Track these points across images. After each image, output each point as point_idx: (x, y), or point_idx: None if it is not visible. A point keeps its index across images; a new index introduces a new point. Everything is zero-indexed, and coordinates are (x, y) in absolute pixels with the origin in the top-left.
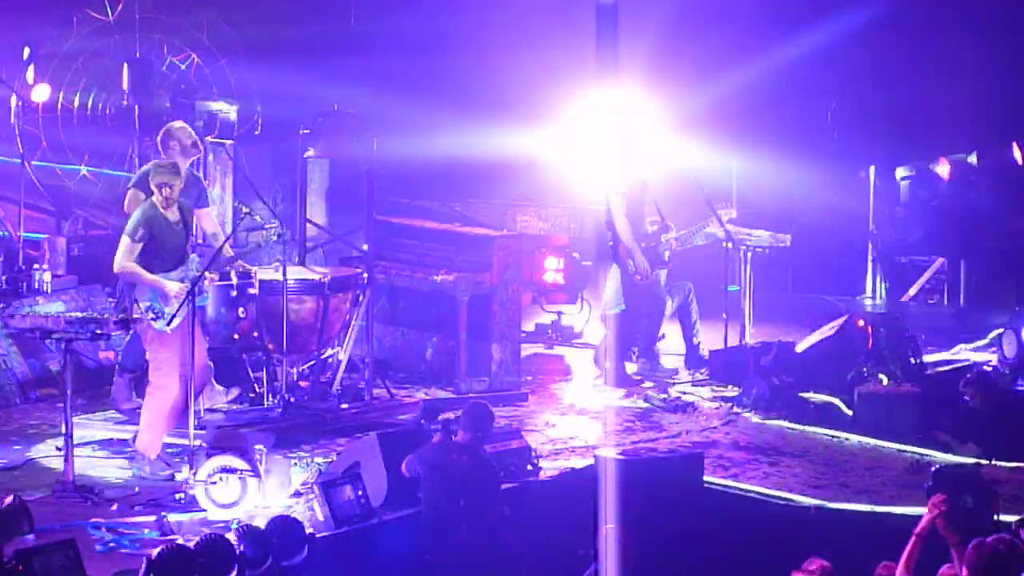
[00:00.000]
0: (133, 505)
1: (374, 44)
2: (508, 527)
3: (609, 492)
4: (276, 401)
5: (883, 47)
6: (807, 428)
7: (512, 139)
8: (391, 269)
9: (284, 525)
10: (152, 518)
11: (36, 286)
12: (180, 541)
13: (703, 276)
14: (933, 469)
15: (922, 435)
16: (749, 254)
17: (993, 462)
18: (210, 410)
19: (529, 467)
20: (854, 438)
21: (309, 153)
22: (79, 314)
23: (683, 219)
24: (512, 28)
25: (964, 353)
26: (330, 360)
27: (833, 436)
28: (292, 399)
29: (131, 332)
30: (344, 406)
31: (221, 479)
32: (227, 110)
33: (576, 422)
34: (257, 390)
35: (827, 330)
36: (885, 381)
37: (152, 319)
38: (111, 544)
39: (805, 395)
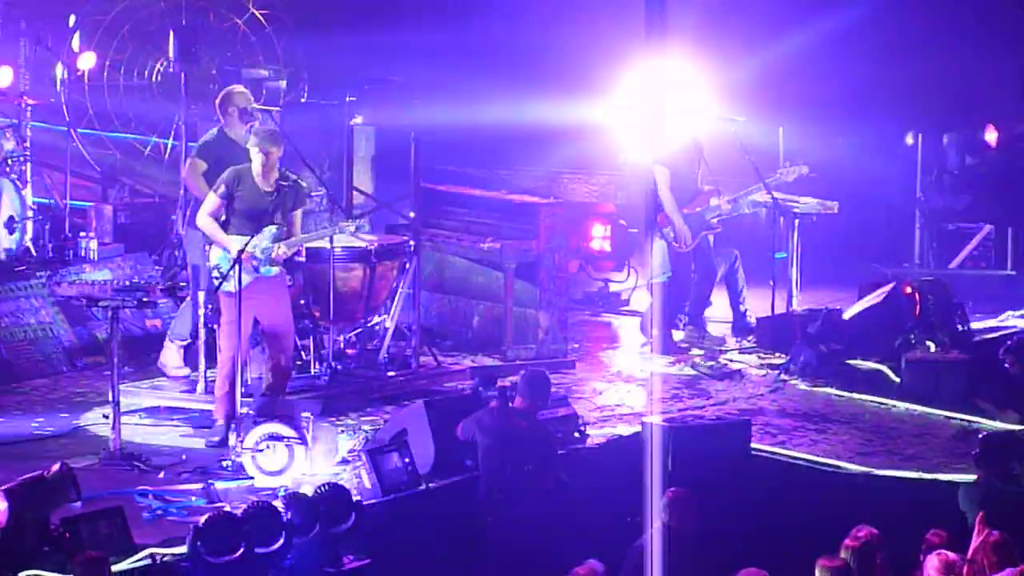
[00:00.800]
0: (180, 473)
1: (421, 11)
2: (563, 493)
3: (656, 459)
4: (323, 369)
5: (932, 13)
6: (854, 395)
7: (559, 106)
8: (438, 237)
9: (331, 492)
10: (199, 485)
11: (83, 254)
12: (227, 509)
13: (750, 243)
14: (981, 436)
15: (969, 402)
16: (797, 221)
17: None
18: (258, 379)
19: (576, 434)
20: (901, 405)
21: (356, 120)
22: (126, 282)
23: (733, 185)
24: None
25: (1012, 320)
26: (377, 328)
27: (880, 403)
28: (339, 367)
29: (186, 299)
30: (391, 374)
31: (268, 447)
32: (275, 77)
33: (623, 390)
34: (304, 358)
35: (874, 297)
36: (932, 348)
37: (216, 279)
38: (158, 512)
39: (852, 362)
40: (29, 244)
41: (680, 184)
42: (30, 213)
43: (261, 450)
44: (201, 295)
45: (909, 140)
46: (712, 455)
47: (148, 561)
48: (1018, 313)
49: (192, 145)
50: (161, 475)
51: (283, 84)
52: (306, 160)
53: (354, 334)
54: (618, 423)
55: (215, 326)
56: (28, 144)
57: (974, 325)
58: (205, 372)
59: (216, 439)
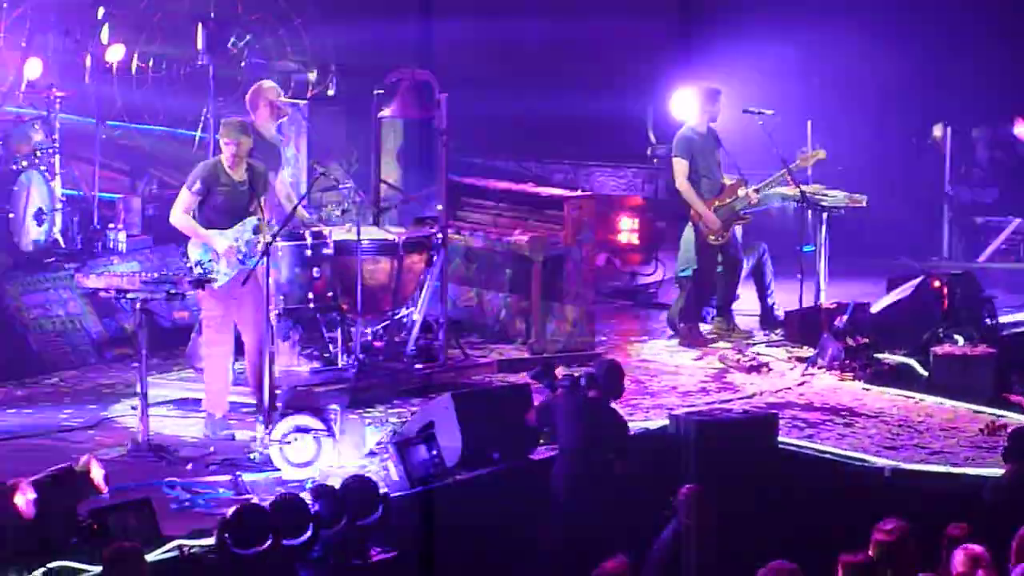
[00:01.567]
0: (208, 464)
1: (449, 3)
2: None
3: (684, 452)
4: (350, 361)
5: (963, 6)
6: (882, 389)
7: (588, 98)
8: (465, 229)
9: (359, 485)
10: (227, 477)
11: (111, 246)
12: (255, 501)
13: (778, 237)
14: (1010, 430)
15: (998, 396)
16: (825, 214)
17: None
18: (285, 371)
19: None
20: (929, 399)
21: (383, 113)
22: (154, 274)
23: (757, 177)
24: None
25: None
26: (404, 320)
27: (908, 397)
28: (366, 359)
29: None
30: (418, 366)
31: (296, 439)
32: (303, 70)
33: (650, 383)
34: (332, 350)
35: (903, 291)
36: (961, 342)
37: (199, 275)
38: (186, 503)
39: (880, 356)
40: (58, 236)
41: (705, 176)
42: (59, 205)
43: (289, 442)
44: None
45: (937, 133)
46: (739, 449)
47: (176, 553)
48: None
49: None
50: (189, 467)
51: (311, 77)
52: (333, 153)
53: (381, 327)
54: (646, 416)
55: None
56: (57, 136)
57: (1002, 319)
58: (232, 364)
59: (227, 433)
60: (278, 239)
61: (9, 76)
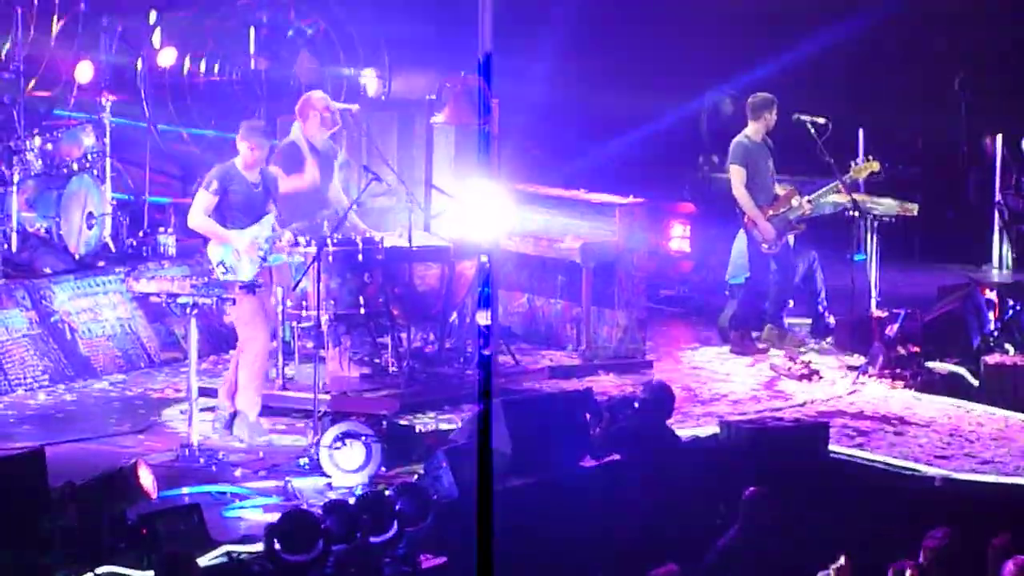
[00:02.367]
0: (257, 470)
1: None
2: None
3: (735, 460)
4: (401, 367)
5: (1013, 14)
6: (933, 398)
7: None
8: (516, 235)
9: (408, 491)
10: (276, 483)
11: (161, 250)
12: (304, 506)
13: (829, 245)
14: None
15: None
16: (875, 223)
17: None
18: (335, 377)
19: None
20: (980, 408)
21: (436, 119)
22: (204, 278)
23: (808, 185)
24: None
25: None
26: (455, 326)
27: (959, 406)
28: (417, 365)
29: None
30: (469, 372)
31: (345, 444)
32: (355, 75)
33: (701, 390)
34: (382, 356)
35: (953, 300)
36: (1012, 351)
37: (223, 274)
38: (235, 509)
39: (931, 364)
40: (108, 240)
41: (759, 184)
42: (109, 209)
43: (338, 447)
44: (280, 291)
45: (988, 142)
46: (790, 457)
47: (225, 559)
48: None
49: (274, 144)
50: (238, 472)
51: (364, 82)
52: (385, 159)
53: (432, 332)
54: (696, 424)
55: (292, 323)
56: (107, 140)
57: None
58: (283, 369)
59: (263, 440)
60: (330, 244)
61: (61, 80)
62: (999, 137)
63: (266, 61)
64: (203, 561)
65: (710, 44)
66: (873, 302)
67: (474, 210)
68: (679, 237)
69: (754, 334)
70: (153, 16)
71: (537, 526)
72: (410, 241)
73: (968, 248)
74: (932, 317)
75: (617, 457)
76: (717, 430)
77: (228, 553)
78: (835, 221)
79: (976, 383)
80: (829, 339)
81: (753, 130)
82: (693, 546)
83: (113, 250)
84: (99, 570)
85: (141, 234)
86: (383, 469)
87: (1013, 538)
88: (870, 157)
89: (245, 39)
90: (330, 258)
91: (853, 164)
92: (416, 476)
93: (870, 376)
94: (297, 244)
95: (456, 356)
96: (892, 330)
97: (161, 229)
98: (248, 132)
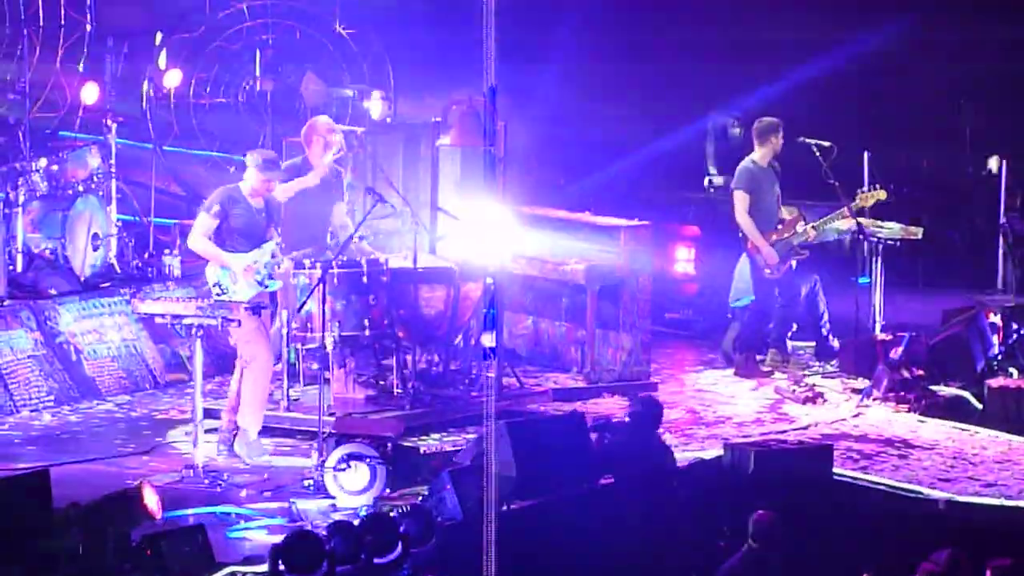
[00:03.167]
0: (262, 491)
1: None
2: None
3: (739, 482)
4: (406, 389)
5: (1014, 38)
6: (937, 421)
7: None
8: (521, 258)
9: (412, 513)
10: (280, 504)
11: (166, 271)
12: (308, 527)
13: (833, 268)
14: None
15: None
16: (880, 246)
17: None
18: (340, 398)
19: None
20: (984, 431)
21: (441, 141)
22: (209, 300)
23: (813, 211)
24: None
25: None
26: (460, 348)
27: (963, 429)
28: (422, 387)
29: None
30: (473, 394)
31: (350, 466)
32: (360, 97)
33: (706, 413)
34: (387, 377)
35: (958, 323)
36: (1016, 375)
37: (217, 295)
38: (240, 530)
39: (935, 388)
40: (113, 261)
41: (763, 209)
42: (114, 230)
43: (343, 469)
44: (284, 314)
45: (992, 165)
46: (794, 480)
47: None
48: None
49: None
50: (243, 493)
51: (369, 104)
52: (391, 181)
53: (437, 354)
54: (701, 446)
55: (297, 345)
56: (113, 161)
57: None
58: (288, 390)
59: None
60: (335, 266)
61: (66, 101)
62: (1004, 160)
63: (271, 83)
64: None
65: (715, 68)
66: (877, 325)
67: (479, 232)
68: (684, 260)
69: (758, 357)
70: (159, 38)
71: (540, 547)
72: (415, 263)
73: (973, 271)
74: (936, 340)
75: (611, 479)
76: (721, 452)
77: (233, 574)
78: (839, 244)
79: (980, 406)
80: (833, 362)
81: (760, 155)
82: (698, 569)
83: (118, 271)
84: None
85: (146, 255)
86: (387, 490)
87: (1014, 563)
88: (877, 185)
89: (251, 61)
90: (335, 280)
91: (860, 192)
92: (420, 497)
93: (874, 399)
94: (302, 266)
95: (461, 378)
96: (896, 353)
97: (166, 250)
98: (267, 166)
